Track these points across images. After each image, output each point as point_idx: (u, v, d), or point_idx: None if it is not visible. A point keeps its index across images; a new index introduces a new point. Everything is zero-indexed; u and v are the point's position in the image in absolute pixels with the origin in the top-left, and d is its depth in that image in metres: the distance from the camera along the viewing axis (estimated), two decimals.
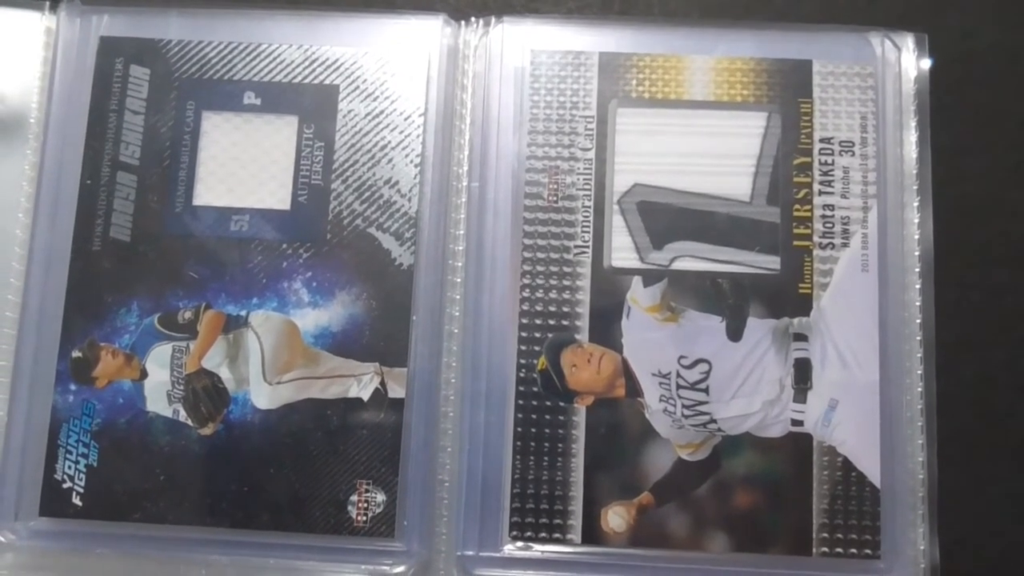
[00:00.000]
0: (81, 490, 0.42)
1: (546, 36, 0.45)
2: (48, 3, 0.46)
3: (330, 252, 0.43)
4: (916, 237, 0.43)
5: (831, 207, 0.44)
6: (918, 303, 0.43)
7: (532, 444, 0.42)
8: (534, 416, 0.42)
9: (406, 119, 0.45)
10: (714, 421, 0.42)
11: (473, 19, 0.46)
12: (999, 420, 0.44)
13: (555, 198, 0.44)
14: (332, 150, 0.44)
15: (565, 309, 0.43)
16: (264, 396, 0.43)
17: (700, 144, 0.44)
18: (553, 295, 0.43)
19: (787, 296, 0.43)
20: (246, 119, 0.45)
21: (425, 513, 0.42)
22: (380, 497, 0.42)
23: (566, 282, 0.43)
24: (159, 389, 0.43)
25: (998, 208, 0.45)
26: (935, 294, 0.43)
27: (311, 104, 0.45)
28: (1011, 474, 0.44)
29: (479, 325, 0.43)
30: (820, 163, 0.44)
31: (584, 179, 0.44)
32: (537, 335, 0.43)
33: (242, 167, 0.45)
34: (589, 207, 0.44)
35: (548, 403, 0.42)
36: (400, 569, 0.41)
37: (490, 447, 0.42)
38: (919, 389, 0.42)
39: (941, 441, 0.42)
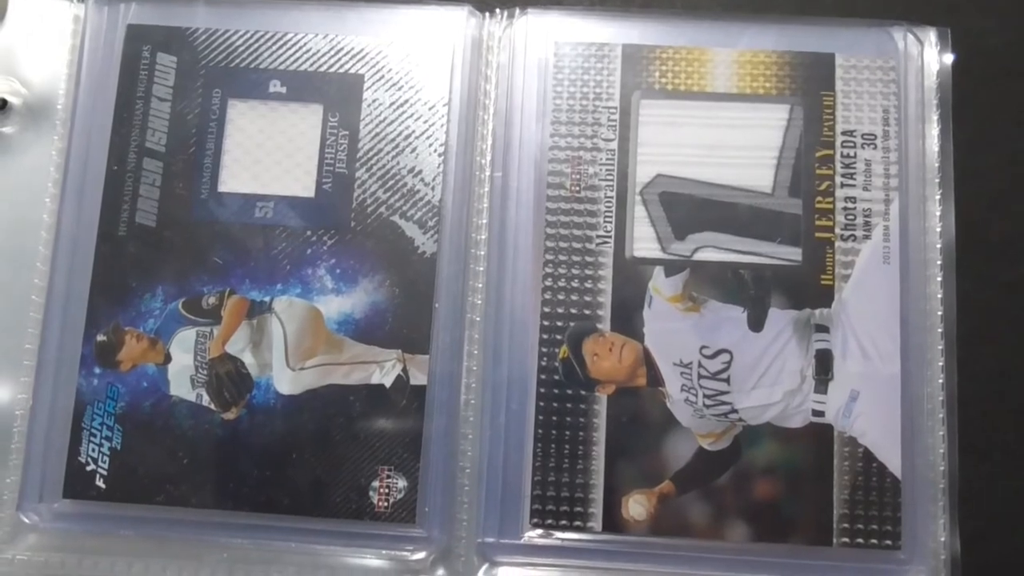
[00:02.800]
0: (104, 473, 0.42)
1: (570, 28, 0.46)
2: None
3: (354, 239, 0.44)
4: (938, 230, 0.43)
5: (853, 199, 0.44)
6: (939, 295, 0.43)
7: (553, 432, 0.42)
8: (555, 404, 0.42)
9: (430, 109, 0.45)
10: (735, 411, 0.42)
11: (497, 10, 0.46)
12: (1020, 412, 0.44)
13: (578, 188, 0.44)
14: (356, 139, 0.45)
15: (587, 298, 0.43)
16: (287, 381, 0.43)
17: (723, 136, 0.44)
18: (575, 284, 0.43)
19: (809, 287, 0.43)
20: (271, 107, 0.45)
21: (446, 499, 0.42)
22: (401, 483, 0.42)
23: (588, 271, 0.43)
24: (183, 373, 0.43)
25: (1020, 201, 0.46)
26: (956, 287, 0.43)
27: (336, 93, 0.45)
28: None
29: (501, 313, 0.43)
30: (842, 155, 0.44)
31: (607, 169, 0.44)
32: (559, 324, 0.43)
33: (267, 154, 0.45)
34: (612, 197, 0.44)
35: (569, 392, 0.42)
36: (420, 555, 0.42)
37: (511, 435, 0.42)
38: (940, 381, 0.42)
39: (962, 433, 0.42)
